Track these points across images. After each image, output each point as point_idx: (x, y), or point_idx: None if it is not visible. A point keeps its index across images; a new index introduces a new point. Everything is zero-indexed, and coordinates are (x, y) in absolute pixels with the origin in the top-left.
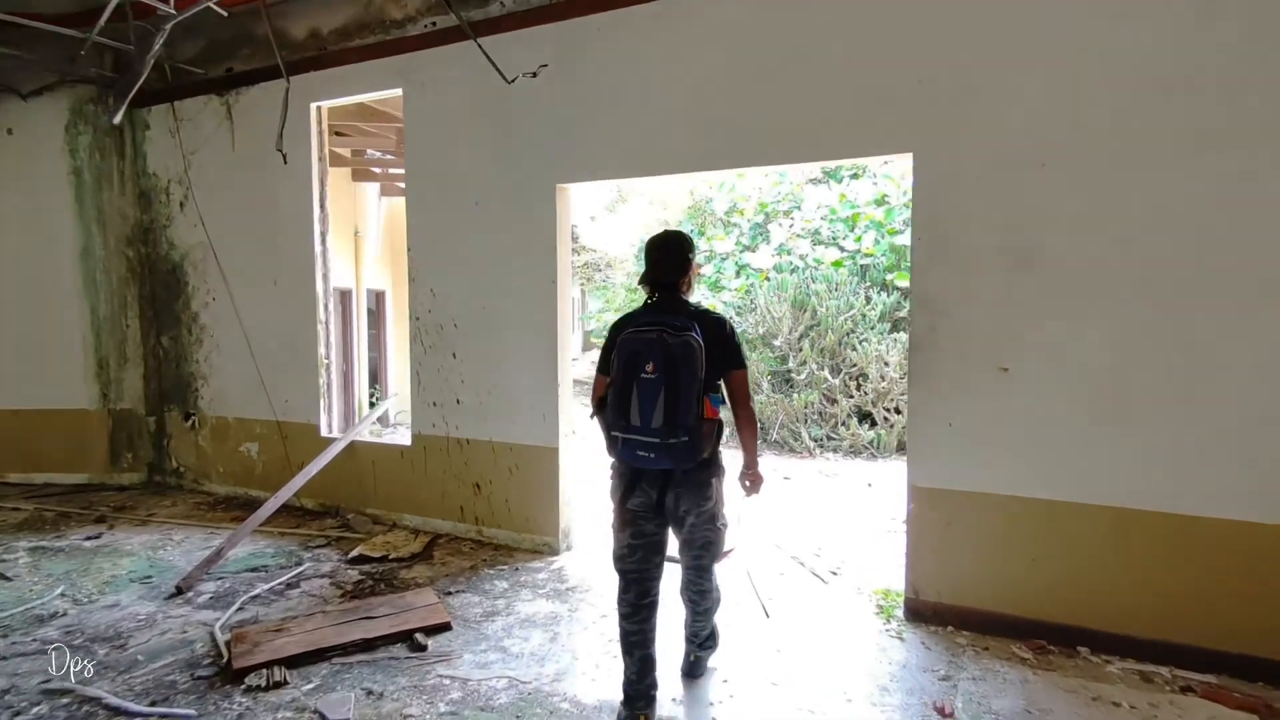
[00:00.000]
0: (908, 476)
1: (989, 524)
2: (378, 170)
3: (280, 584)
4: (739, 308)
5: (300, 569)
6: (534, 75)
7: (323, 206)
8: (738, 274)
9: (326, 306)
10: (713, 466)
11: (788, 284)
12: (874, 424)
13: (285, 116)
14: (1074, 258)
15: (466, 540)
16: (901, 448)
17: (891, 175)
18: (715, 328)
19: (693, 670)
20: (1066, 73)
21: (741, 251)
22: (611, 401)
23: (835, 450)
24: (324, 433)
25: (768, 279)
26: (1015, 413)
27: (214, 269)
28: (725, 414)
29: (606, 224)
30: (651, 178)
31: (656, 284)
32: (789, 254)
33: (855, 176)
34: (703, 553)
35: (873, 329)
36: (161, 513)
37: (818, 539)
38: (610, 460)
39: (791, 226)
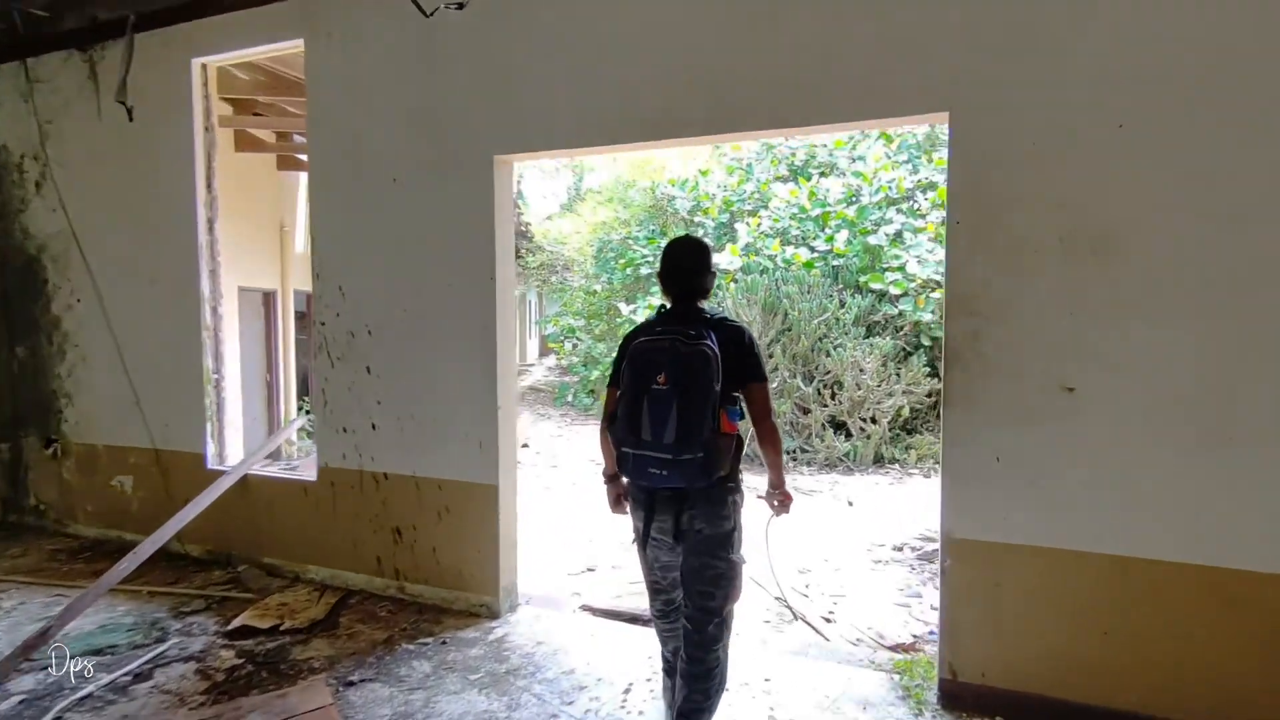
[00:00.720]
0: (942, 524)
1: (1049, 587)
2: (304, 158)
3: (127, 674)
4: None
5: (161, 648)
6: (459, 6)
7: (210, 187)
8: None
9: (215, 310)
10: (730, 485)
11: (758, 285)
12: (849, 435)
13: (130, 56)
14: (1163, 245)
15: (384, 600)
16: (879, 460)
17: (864, 171)
18: (734, 337)
19: None
20: (1150, 4)
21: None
22: (621, 415)
23: (809, 464)
24: (211, 464)
25: (735, 281)
26: (1084, 444)
27: (78, 264)
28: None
29: (562, 224)
30: (617, 150)
31: (674, 290)
32: (757, 254)
33: (824, 174)
34: (711, 590)
35: (847, 334)
36: (3, 564)
37: (803, 572)
38: (611, 479)
39: (759, 226)
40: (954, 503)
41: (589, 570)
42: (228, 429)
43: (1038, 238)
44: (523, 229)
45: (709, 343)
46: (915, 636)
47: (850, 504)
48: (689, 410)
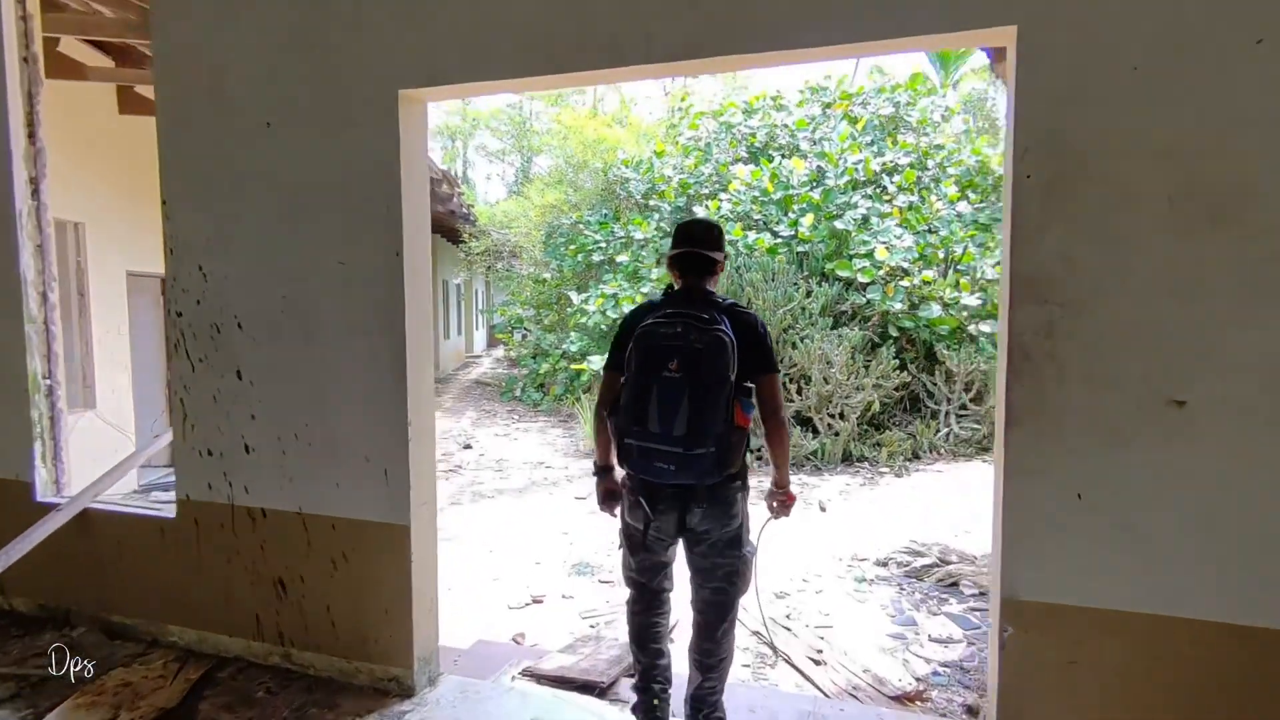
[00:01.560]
0: (1001, 580)
1: (1147, 666)
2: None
3: None
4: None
5: None
6: None
7: (33, 138)
8: (659, 262)
9: (46, 297)
10: (739, 481)
11: None
12: (815, 432)
13: None
14: None
15: (265, 672)
16: (848, 459)
17: (830, 152)
18: (747, 323)
19: None
20: None
21: (662, 238)
22: (626, 403)
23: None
24: (42, 495)
25: None
26: (1197, 476)
27: None
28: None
29: (508, 206)
30: (569, 82)
31: (685, 269)
32: None
33: (786, 156)
34: (724, 585)
35: (814, 324)
36: None
37: (781, 596)
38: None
39: (719, 210)
40: (1017, 552)
41: (535, 602)
42: (66, 450)
43: (1138, 198)
44: (465, 212)
45: (724, 328)
46: (918, 679)
47: (823, 509)
48: (703, 401)
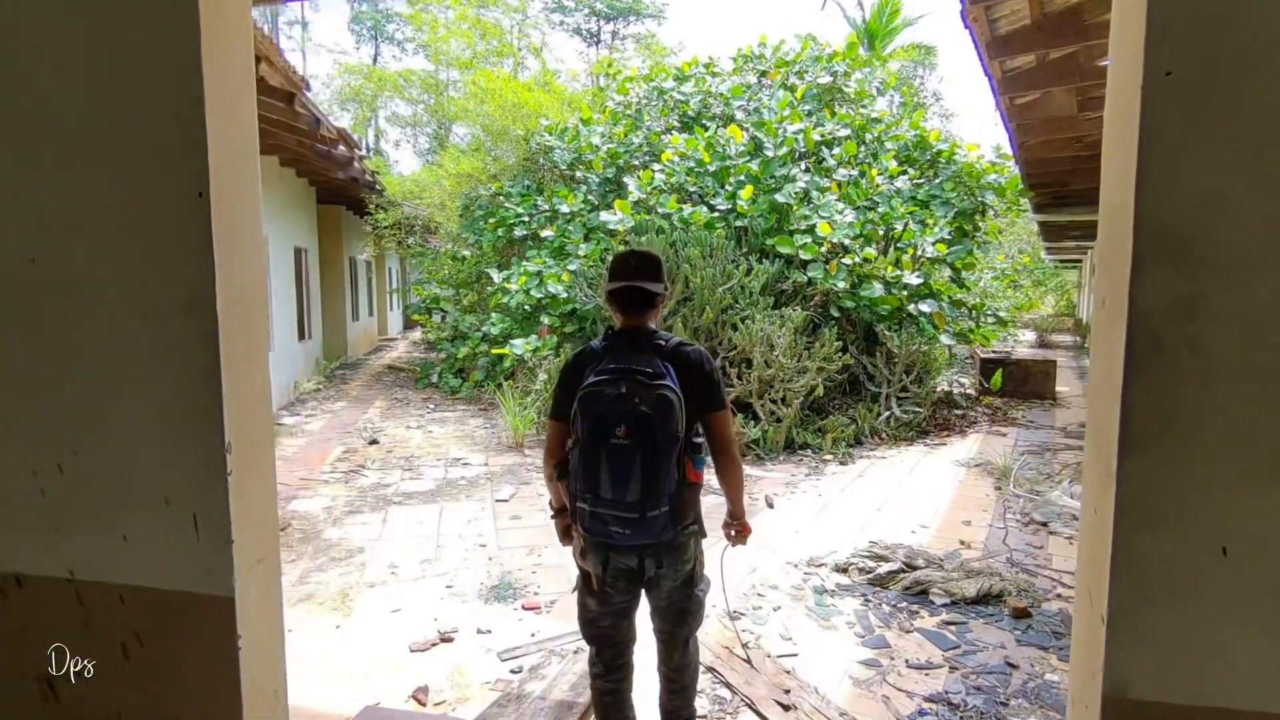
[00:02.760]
0: (1104, 670)
1: None
2: None
3: None
4: (590, 278)
5: None
6: None
7: None
8: (587, 237)
9: None
10: (693, 526)
11: (654, 245)
12: (756, 419)
13: None
14: None
15: None
16: (790, 446)
17: (768, 120)
18: (693, 365)
19: None
20: None
21: (590, 211)
22: (577, 467)
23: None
24: None
25: (625, 243)
26: None
27: None
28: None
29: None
30: None
31: (625, 305)
32: (649, 213)
33: (721, 125)
34: (678, 625)
35: (755, 304)
36: None
37: (736, 616)
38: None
39: (651, 181)
40: (1133, 630)
41: (443, 640)
42: None
43: None
44: (369, 179)
45: (669, 383)
46: None
47: (770, 505)
48: (654, 465)
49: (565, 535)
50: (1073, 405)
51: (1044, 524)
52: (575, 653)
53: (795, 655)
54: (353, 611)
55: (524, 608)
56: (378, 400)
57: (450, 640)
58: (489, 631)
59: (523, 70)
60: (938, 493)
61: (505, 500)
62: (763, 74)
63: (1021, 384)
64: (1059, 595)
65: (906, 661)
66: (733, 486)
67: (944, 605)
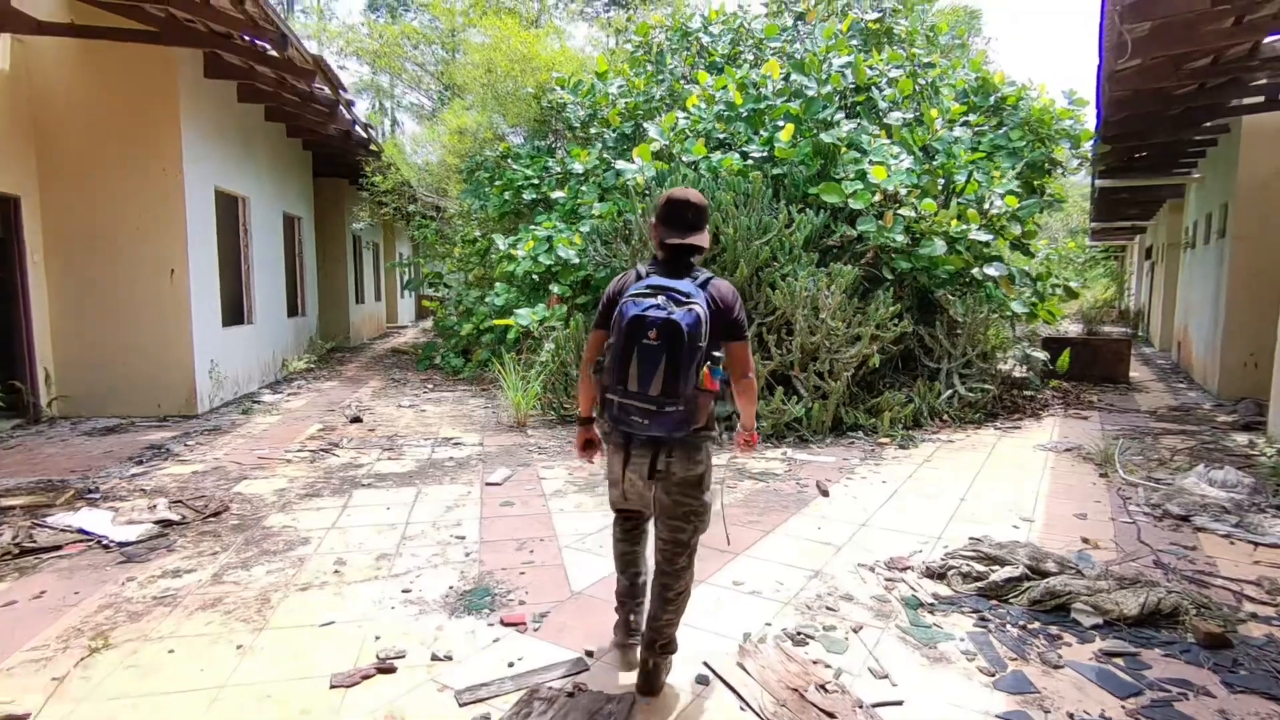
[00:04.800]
0: None
1: None
2: None
3: None
4: (605, 237)
5: None
6: None
7: None
8: (602, 197)
9: None
10: (705, 433)
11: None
12: (798, 395)
13: None
14: None
15: None
16: (838, 427)
17: (813, 52)
18: (722, 296)
19: (650, 684)
20: None
21: (605, 169)
22: (611, 363)
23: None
24: None
25: (645, 193)
26: None
27: None
28: None
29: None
30: None
31: (670, 244)
32: (671, 162)
33: (754, 64)
34: (682, 524)
35: (797, 260)
36: None
37: (801, 639)
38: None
39: (674, 126)
40: None
41: (381, 670)
42: None
43: None
44: (362, 135)
45: (699, 303)
46: None
47: (825, 493)
48: (676, 367)
49: (583, 448)
50: (1150, 390)
51: (1184, 518)
52: (570, 694)
53: (899, 704)
54: (268, 623)
55: (503, 622)
56: (372, 381)
57: (391, 671)
58: (448, 658)
59: (535, 25)
60: (1030, 480)
61: (497, 484)
62: (800, 16)
63: (1090, 366)
64: (1255, 615)
65: (1071, 717)
66: (746, 404)
67: (1094, 627)
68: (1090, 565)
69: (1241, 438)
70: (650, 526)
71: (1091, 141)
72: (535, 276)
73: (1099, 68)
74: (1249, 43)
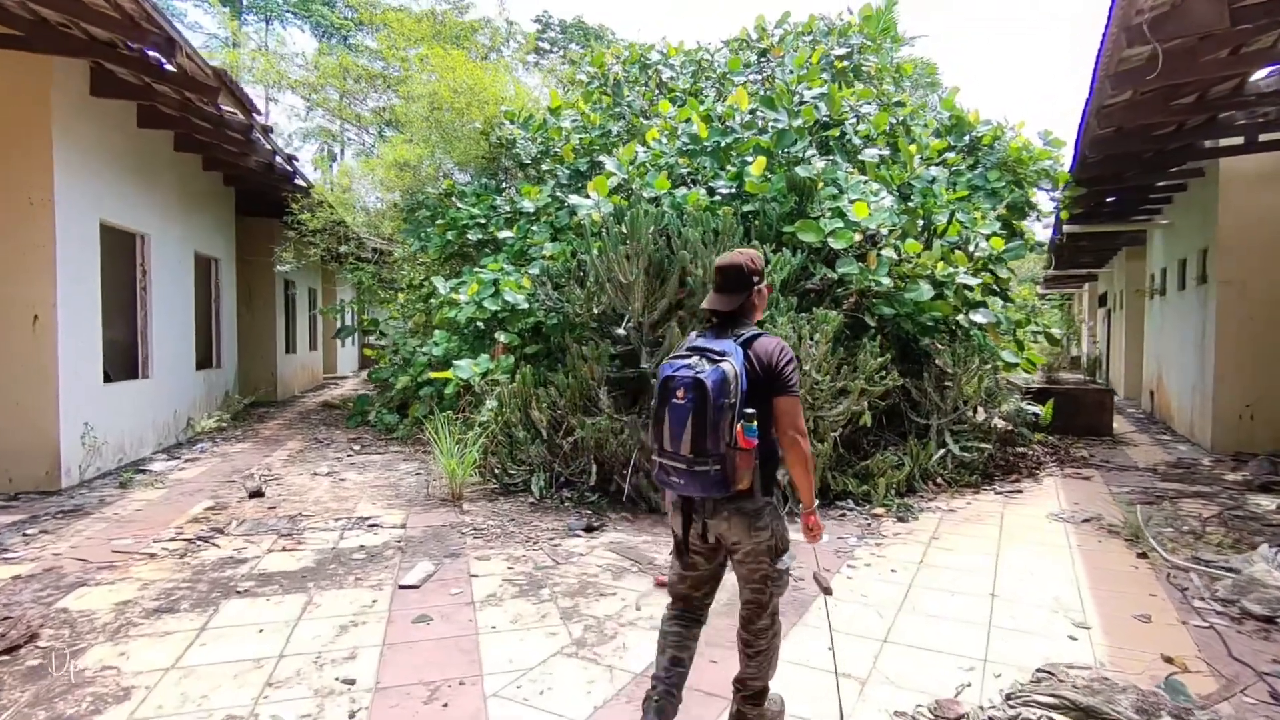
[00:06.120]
0: None
1: None
2: None
3: None
4: (557, 278)
5: None
6: None
7: None
8: (554, 237)
9: None
10: (760, 498)
11: (640, 225)
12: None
13: None
14: None
15: None
16: (824, 493)
17: (782, 84)
18: (765, 352)
19: None
20: None
21: (558, 208)
22: (651, 424)
23: None
24: None
25: (602, 230)
26: None
27: None
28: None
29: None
30: None
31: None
32: (631, 199)
33: (718, 98)
34: (760, 587)
35: (775, 305)
36: None
37: None
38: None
39: (634, 158)
40: None
41: None
42: None
43: None
44: (286, 168)
45: (730, 361)
46: None
47: (827, 590)
48: (702, 424)
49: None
50: (1138, 443)
51: (1270, 620)
52: None
53: None
54: None
55: None
56: (292, 442)
57: None
58: None
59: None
60: (1061, 565)
61: (414, 587)
62: (764, 53)
63: (1073, 417)
64: None
65: None
66: (796, 469)
67: None
68: (1186, 702)
69: (1265, 501)
70: (704, 622)
71: (1065, 184)
72: (480, 323)
73: (1087, 102)
74: (1237, 78)
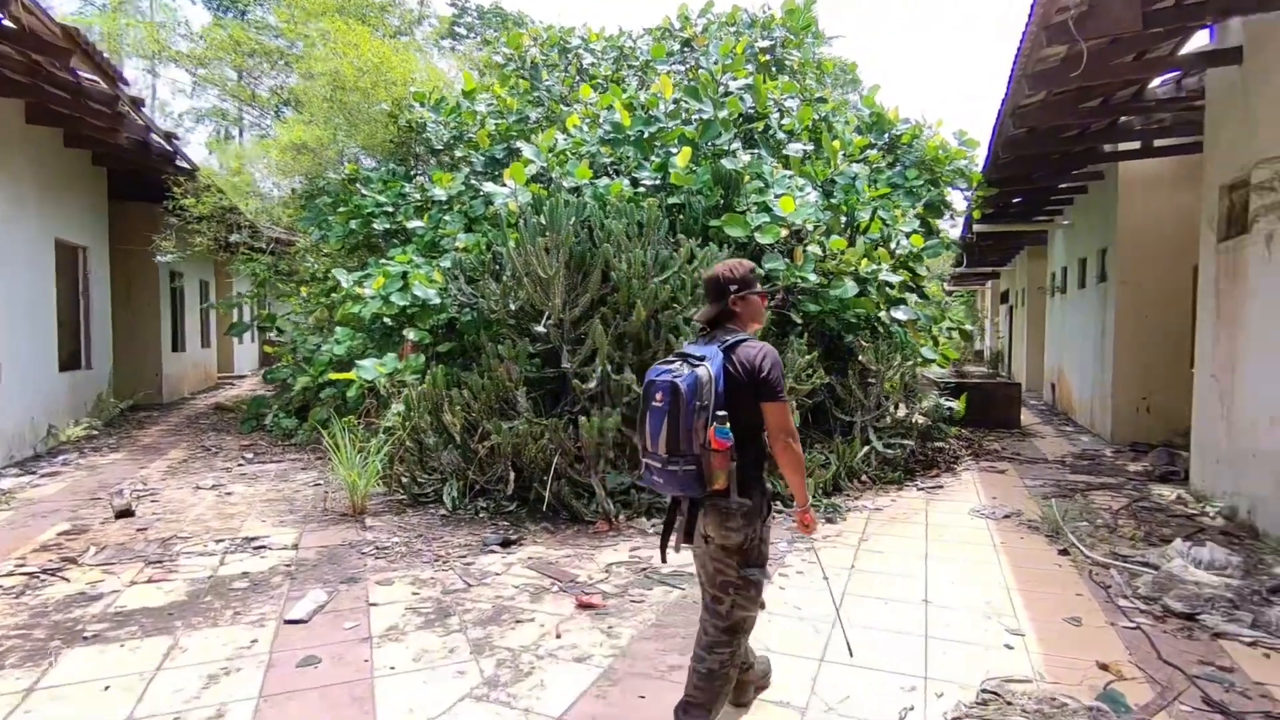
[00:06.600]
0: None
1: None
2: None
3: None
4: (471, 271)
5: None
6: None
7: None
8: (469, 227)
9: None
10: (737, 499)
11: (560, 216)
12: None
13: None
14: None
15: None
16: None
17: (705, 73)
18: (747, 358)
19: None
20: None
21: (473, 197)
22: (638, 426)
23: (655, 514)
24: None
25: (519, 221)
26: None
27: None
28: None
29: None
30: None
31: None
32: (549, 187)
33: (641, 87)
34: (720, 595)
35: (702, 302)
36: None
37: None
38: None
39: (553, 144)
40: None
41: None
42: None
43: None
44: (164, 146)
45: (706, 366)
46: None
47: (761, 605)
48: (676, 425)
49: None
50: (1044, 435)
51: (1190, 617)
52: None
53: None
54: None
55: None
56: (175, 450)
57: None
58: None
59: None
60: (988, 566)
61: (302, 621)
62: (687, 43)
63: (984, 411)
64: None
65: None
66: (788, 471)
67: None
68: (1128, 713)
69: (1166, 491)
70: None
71: (978, 184)
72: (387, 320)
73: (1003, 102)
74: (1138, 85)
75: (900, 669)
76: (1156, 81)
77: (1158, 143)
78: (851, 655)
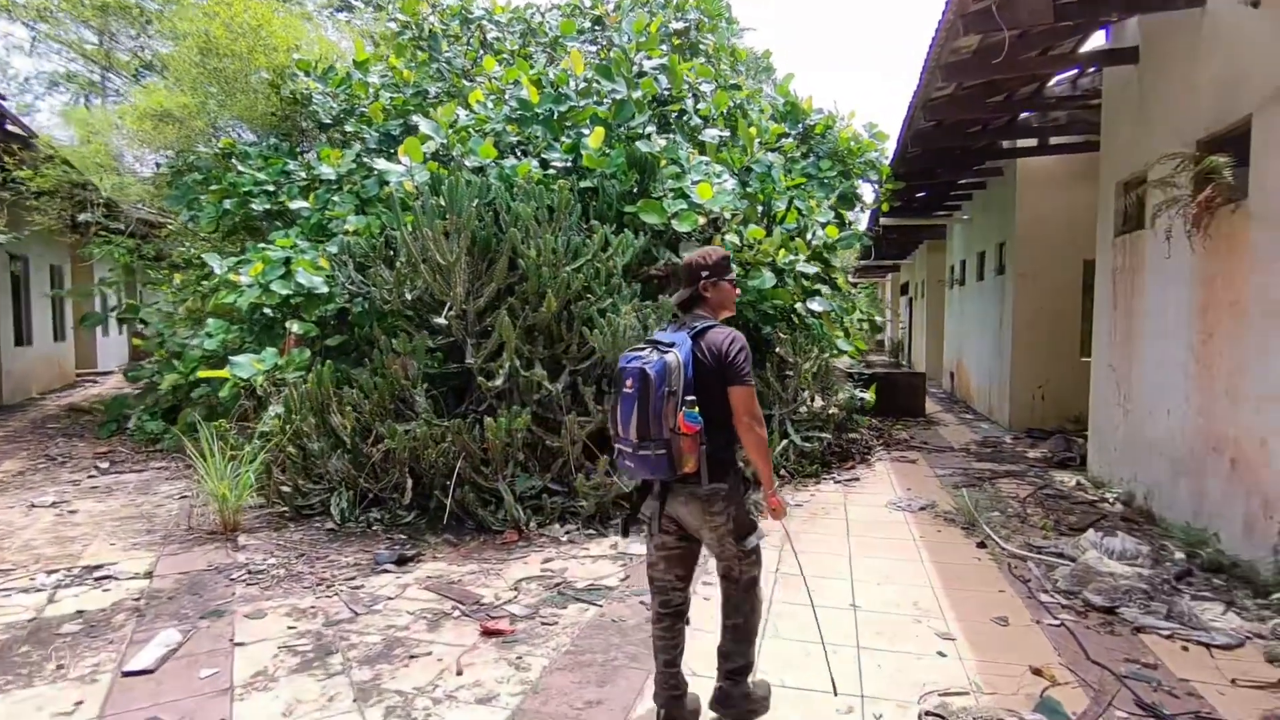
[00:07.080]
0: None
1: None
2: None
3: None
4: (362, 257)
5: None
6: None
7: None
8: (361, 210)
9: None
10: (708, 483)
11: (461, 197)
12: (613, 466)
13: None
14: None
15: None
16: None
17: (620, 51)
18: (714, 344)
19: (721, 701)
20: None
21: (365, 176)
22: (609, 413)
23: (570, 519)
24: None
25: (415, 202)
26: None
27: None
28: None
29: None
30: None
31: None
32: (449, 165)
33: (553, 50)
34: (730, 566)
35: (617, 292)
36: None
37: None
38: None
39: (454, 120)
40: None
41: None
42: None
43: None
44: None
45: (675, 352)
46: None
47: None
48: (645, 411)
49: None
50: (947, 423)
51: (1110, 610)
52: None
53: None
54: None
55: None
56: (11, 460)
57: None
58: None
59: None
60: (911, 564)
61: (146, 672)
62: (598, 20)
63: (890, 400)
64: None
65: None
66: (749, 450)
67: None
68: None
69: (1066, 477)
70: (685, 614)
71: (887, 177)
72: (268, 310)
73: (915, 92)
74: (1039, 82)
75: (839, 688)
76: (1054, 81)
77: (1053, 140)
78: (836, 694)
